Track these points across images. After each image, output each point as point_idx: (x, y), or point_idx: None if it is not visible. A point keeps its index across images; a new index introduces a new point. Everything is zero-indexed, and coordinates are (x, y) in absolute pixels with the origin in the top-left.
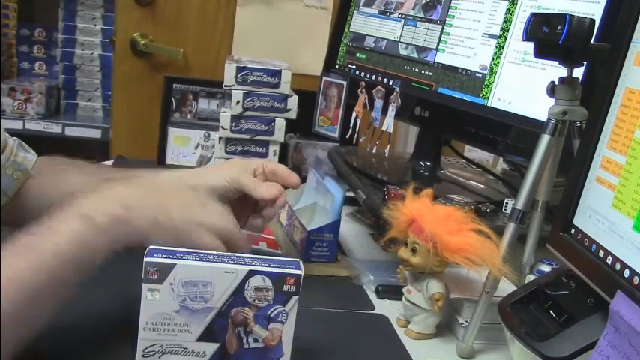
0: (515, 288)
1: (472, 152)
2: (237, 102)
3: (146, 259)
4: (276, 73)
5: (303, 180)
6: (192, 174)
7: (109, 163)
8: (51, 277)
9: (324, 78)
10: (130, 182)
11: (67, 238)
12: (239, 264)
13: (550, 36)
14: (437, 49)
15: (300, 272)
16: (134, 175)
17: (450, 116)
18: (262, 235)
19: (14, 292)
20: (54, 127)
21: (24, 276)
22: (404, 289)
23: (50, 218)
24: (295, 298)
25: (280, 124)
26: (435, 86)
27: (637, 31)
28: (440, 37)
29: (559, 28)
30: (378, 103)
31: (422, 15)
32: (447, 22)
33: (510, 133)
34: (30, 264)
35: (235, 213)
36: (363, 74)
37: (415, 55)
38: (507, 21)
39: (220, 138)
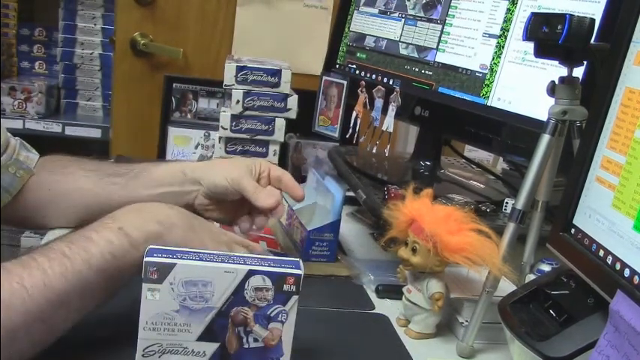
0: (515, 288)
1: (472, 152)
2: (237, 101)
3: (146, 259)
4: (276, 73)
5: (303, 180)
6: (194, 167)
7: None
8: (80, 285)
9: (324, 77)
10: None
11: (99, 249)
12: (239, 264)
13: (550, 36)
14: (437, 49)
15: (300, 272)
16: (137, 170)
17: (450, 116)
18: (262, 235)
19: (42, 295)
20: (54, 127)
21: (53, 282)
22: (404, 289)
23: (89, 228)
24: (295, 297)
25: (280, 123)
26: (435, 86)
27: (637, 30)
28: (440, 37)
29: (559, 27)
30: (378, 103)
31: (422, 14)
32: (447, 21)
33: (510, 133)
34: (62, 271)
35: (232, 210)
36: (363, 74)
37: (415, 55)
38: (507, 20)
39: (220, 137)
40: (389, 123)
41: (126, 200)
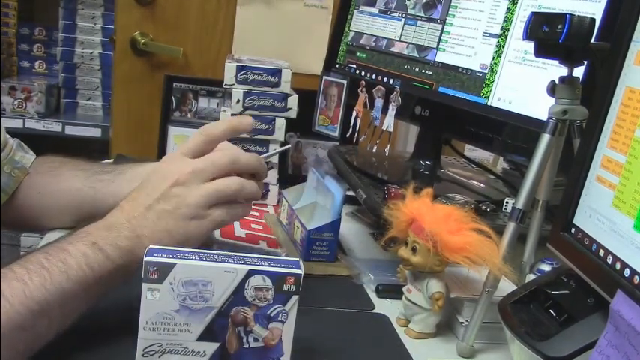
0: (515, 287)
1: (472, 151)
2: (238, 101)
3: (146, 259)
4: (277, 72)
5: (304, 179)
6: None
7: (110, 161)
8: (60, 295)
9: (325, 77)
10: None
11: (76, 260)
12: (239, 263)
13: (550, 35)
14: (437, 49)
15: (300, 272)
16: (124, 167)
17: (451, 115)
18: (262, 235)
19: (23, 304)
20: (54, 126)
21: (34, 292)
22: (404, 289)
23: (64, 241)
24: (295, 297)
25: (280, 123)
26: (436, 85)
27: (637, 30)
28: (440, 37)
29: (559, 27)
30: (379, 103)
31: (422, 14)
32: (447, 21)
33: (511, 133)
34: (41, 281)
35: None
36: (363, 73)
37: (415, 55)
38: (508, 20)
39: None
40: (389, 122)
41: (112, 196)
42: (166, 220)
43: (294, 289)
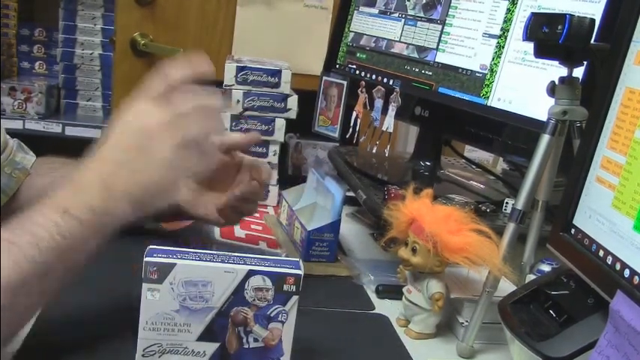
0: (515, 288)
1: (472, 152)
2: (237, 102)
3: (146, 259)
4: (276, 73)
5: (303, 180)
6: None
7: None
8: (34, 269)
9: (324, 78)
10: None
11: (46, 230)
12: (239, 264)
13: (550, 36)
14: (437, 49)
15: (300, 272)
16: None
17: (450, 116)
18: (262, 235)
19: None
20: (54, 127)
21: (6, 270)
22: (404, 289)
23: (35, 213)
24: (295, 297)
25: (280, 123)
26: (435, 86)
27: (637, 30)
28: (440, 37)
29: (559, 27)
30: (378, 103)
31: (422, 15)
32: (447, 21)
33: (510, 133)
34: (12, 259)
35: (215, 197)
36: (363, 74)
37: (415, 55)
38: (507, 21)
39: None
40: (389, 123)
41: None
42: (140, 174)
43: (294, 290)
